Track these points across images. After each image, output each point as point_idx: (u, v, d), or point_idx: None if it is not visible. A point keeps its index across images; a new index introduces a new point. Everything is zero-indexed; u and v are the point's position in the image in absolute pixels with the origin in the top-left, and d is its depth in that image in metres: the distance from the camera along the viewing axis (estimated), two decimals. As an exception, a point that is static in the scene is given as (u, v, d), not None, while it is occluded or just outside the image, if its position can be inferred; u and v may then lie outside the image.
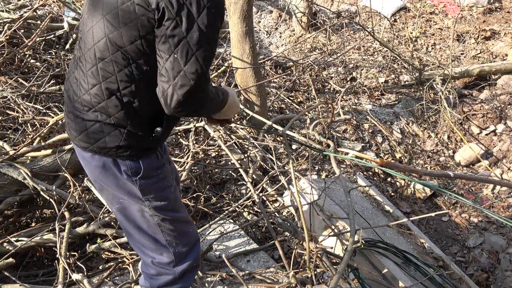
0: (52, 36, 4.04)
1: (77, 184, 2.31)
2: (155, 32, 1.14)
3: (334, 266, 2.12)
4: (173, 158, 2.87)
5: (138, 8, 1.12)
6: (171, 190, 1.47)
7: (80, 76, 1.29)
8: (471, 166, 4.26)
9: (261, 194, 2.85)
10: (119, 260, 2.16)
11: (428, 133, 4.50)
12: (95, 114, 1.27)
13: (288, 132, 3.34)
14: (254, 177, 2.98)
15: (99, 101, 1.25)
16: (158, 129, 1.32)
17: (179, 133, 3.29)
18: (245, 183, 2.95)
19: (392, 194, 3.70)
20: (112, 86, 1.23)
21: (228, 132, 3.26)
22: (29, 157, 2.59)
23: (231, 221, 2.58)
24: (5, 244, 2.14)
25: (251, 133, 3.48)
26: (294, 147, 3.68)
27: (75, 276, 1.97)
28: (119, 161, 1.33)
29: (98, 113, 1.27)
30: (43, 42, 3.99)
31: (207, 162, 3.18)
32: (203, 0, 1.10)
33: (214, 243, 2.31)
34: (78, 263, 2.12)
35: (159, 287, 1.60)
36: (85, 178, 2.45)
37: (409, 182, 3.85)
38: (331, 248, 2.44)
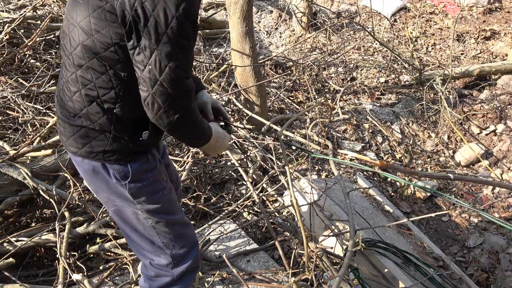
0: (52, 36, 4.04)
1: (77, 184, 2.31)
2: (126, 43, 1.13)
3: (334, 266, 2.12)
4: (173, 158, 2.86)
5: (109, 16, 1.11)
6: (164, 193, 1.46)
7: (64, 83, 1.30)
8: (471, 166, 4.26)
9: (261, 194, 2.85)
10: (119, 260, 2.16)
11: (428, 133, 4.51)
12: (80, 120, 1.28)
13: (286, 132, 3.35)
14: (254, 177, 2.98)
15: (81, 107, 1.26)
16: (145, 133, 1.32)
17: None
18: (245, 183, 2.95)
19: (392, 194, 3.70)
20: (91, 93, 1.23)
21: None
22: (29, 157, 2.59)
23: (231, 221, 2.58)
24: (5, 244, 2.14)
25: (251, 133, 3.48)
26: (294, 147, 3.68)
27: (75, 276, 1.97)
28: (108, 165, 1.33)
29: (82, 119, 1.28)
30: (43, 42, 3.99)
31: (207, 162, 3.18)
32: (171, 10, 1.07)
33: (214, 243, 2.31)
34: (78, 263, 2.12)
35: None
36: (85, 178, 2.45)
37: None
38: (331, 248, 2.45)
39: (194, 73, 3.89)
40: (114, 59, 1.17)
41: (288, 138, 3.55)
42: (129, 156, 1.33)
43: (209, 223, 2.47)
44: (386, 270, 2.40)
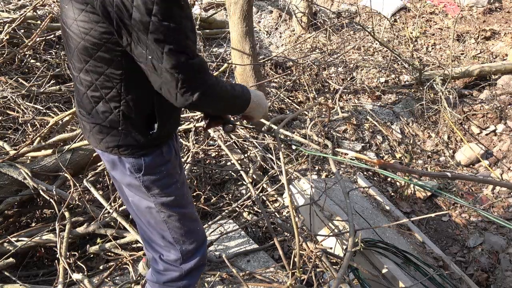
0: (52, 36, 4.04)
1: (77, 184, 2.31)
2: (120, 41, 1.13)
3: (334, 267, 2.12)
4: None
5: (93, 16, 1.12)
6: (177, 186, 1.48)
7: (75, 84, 1.33)
8: (471, 166, 4.26)
9: (261, 194, 2.85)
10: (119, 260, 2.16)
11: (428, 133, 4.51)
12: (93, 118, 1.32)
13: (285, 132, 3.35)
14: (254, 177, 2.98)
15: (91, 108, 1.29)
16: (155, 126, 1.33)
17: (179, 133, 3.29)
18: (245, 183, 2.95)
19: (392, 194, 3.70)
20: (96, 94, 1.25)
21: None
22: (29, 157, 2.59)
23: (231, 221, 2.58)
24: (5, 244, 2.14)
25: (251, 133, 3.48)
26: (294, 147, 3.68)
27: (76, 276, 1.97)
28: (123, 159, 1.37)
29: (94, 118, 1.31)
30: (43, 42, 3.99)
31: (207, 162, 3.18)
32: None
33: (214, 243, 2.31)
34: (78, 263, 2.13)
35: (165, 283, 1.63)
36: (85, 179, 2.45)
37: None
38: (331, 248, 2.45)
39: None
40: (107, 59, 1.18)
41: (288, 138, 3.55)
42: (143, 150, 1.36)
43: (209, 223, 2.47)
44: (386, 270, 2.40)
